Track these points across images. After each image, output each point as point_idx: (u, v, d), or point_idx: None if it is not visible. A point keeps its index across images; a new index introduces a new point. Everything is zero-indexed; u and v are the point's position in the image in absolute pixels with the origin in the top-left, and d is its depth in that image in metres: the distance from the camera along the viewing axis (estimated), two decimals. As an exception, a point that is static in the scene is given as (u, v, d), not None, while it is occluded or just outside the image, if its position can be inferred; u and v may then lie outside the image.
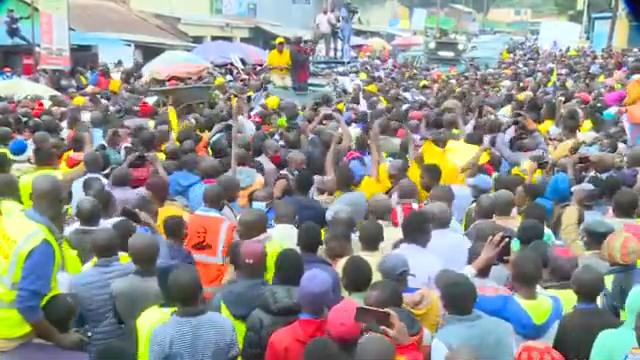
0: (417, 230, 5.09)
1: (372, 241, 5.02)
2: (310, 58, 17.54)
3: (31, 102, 12.52)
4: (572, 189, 6.39)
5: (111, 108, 11.59)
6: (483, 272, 4.52)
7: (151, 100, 12.91)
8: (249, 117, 11.02)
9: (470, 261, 4.61)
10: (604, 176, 6.82)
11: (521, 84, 18.70)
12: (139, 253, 4.54)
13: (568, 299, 4.30)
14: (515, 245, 5.07)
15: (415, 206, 6.12)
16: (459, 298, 3.84)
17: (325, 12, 21.19)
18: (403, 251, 4.90)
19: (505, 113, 12.15)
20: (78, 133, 8.34)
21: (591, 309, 4.23)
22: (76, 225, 5.47)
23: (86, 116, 10.57)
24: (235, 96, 13.25)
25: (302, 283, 4.00)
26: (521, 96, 14.07)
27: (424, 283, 4.60)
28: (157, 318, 4.11)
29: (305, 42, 16.07)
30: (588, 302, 4.23)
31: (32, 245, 3.87)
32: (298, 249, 4.89)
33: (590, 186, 6.35)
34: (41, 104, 12.18)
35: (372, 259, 4.60)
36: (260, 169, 7.68)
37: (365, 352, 3.33)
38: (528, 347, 3.45)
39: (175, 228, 5.31)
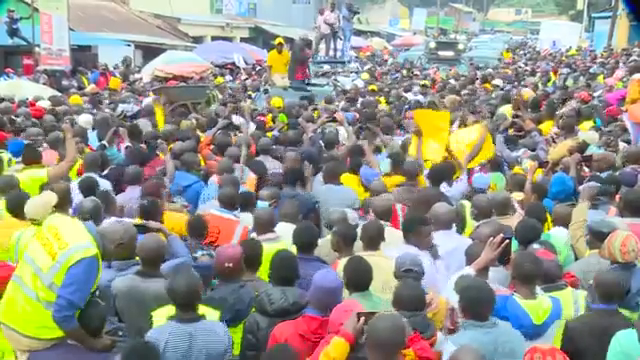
0: (409, 232, 5.12)
1: (373, 241, 5.02)
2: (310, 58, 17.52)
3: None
4: (580, 188, 6.31)
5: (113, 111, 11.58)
6: (482, 273, 4.52)
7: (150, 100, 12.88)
8: (253, 117, 11.00)
9: (469, 262, 4.62)
10: (603, 175, 6.80)
11: (522, 83, 18.67)
12: (148, 254, 4.58)
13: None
14: (514, 245, 5.08)
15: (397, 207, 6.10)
16: (478, 303, 3.84)
17: (322, 13, 21.18)
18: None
19: (505, 113, 12.11)
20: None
21: (609, 310, 4.20)
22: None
23: (85, 117, 10.54)
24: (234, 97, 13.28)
25: (315, 279, 4.05)
26: (524, 95, 14.01)
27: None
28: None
29: (309, 45, 16.12)
30: (606, 302, 4.21)
31: (83, 255, 3.87)
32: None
33: (596, 183, 6.26)
34: (33, 104, 12.12)
35: (373, 259, 4.61)
36: (263, 169, 7.67)
37: (376, 330, 3.25)
38: (533, 349, 3.44)
39: (198, 227, 5.46)
